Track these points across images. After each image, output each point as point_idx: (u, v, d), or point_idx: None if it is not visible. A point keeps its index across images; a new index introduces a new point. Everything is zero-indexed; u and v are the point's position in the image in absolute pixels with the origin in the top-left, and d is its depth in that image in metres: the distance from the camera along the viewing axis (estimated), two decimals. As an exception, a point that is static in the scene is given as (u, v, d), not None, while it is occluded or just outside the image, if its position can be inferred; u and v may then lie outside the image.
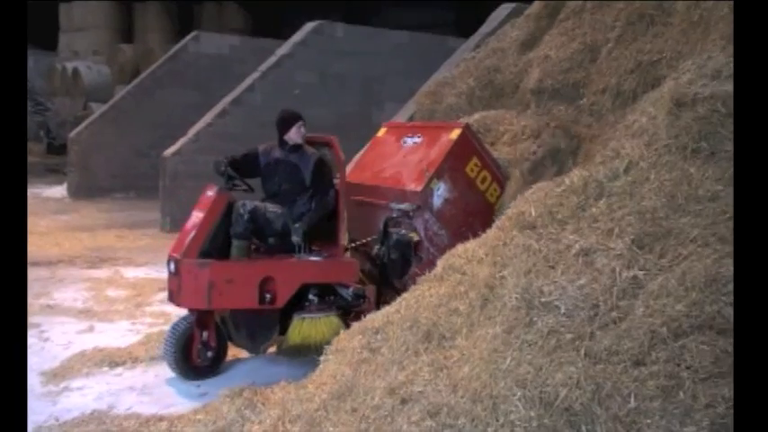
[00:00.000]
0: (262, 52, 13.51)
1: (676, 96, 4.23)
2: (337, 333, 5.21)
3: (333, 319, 5.50)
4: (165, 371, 5.56)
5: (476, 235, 4.93)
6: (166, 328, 5.70)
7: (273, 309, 5.43)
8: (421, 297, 4.47)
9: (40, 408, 4.89)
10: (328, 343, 4.88)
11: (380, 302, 5.43)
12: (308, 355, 5.36)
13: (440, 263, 4.79)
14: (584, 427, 3.04)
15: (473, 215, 5.85)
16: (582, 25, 7.38)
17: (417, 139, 6.20)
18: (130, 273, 8.91)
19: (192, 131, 12.38)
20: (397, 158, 6.25)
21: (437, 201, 5.80)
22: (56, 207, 14.22)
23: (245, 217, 5.34)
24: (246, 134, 12.05)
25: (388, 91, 12.75)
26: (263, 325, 5.56)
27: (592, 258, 3.68)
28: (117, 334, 6.47)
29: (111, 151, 15.34)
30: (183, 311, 5.56)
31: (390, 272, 5.77)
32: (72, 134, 15.83)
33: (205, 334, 5.44)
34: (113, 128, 15.41)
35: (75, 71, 21.68)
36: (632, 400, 3.03)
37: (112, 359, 5.75)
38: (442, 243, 5.63)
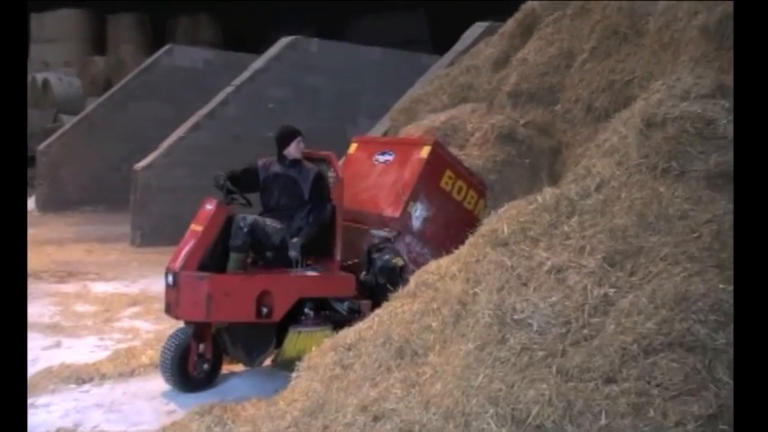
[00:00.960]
0: (235, 66, 13.49)
1: (646, 116, 4.29)
2: None
3: (328, 333, 5.46)
4: (133, 387, 5.49)
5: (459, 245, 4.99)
6: (136, 343, 5.63)
7: (270, 322, 5.49)
8: (393, 313, 4.47)
9: (4, 425, 4.80)
10: None
11: None
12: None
13: (412, 279, 4.79)
14: (555, 445, 3.05)
15: (454, 227, 5.88)
16: (561, 31, 7.49)
17: (389, 157, 6.23)
18: (99, 287, 8.79)
19: (164, 145, 12.30)
20: (372, 179, 6.28)
21: (416, 222, 5.90)
22: (24, 220, 14.01)
23: (245, 230, 5.39)
24: (220, 148, 12.02)
25: (361, 106, 12.80)
26: (260, 338, 5.61)
27: (564, 276, 3.71)
28: (85, 350, 6.37)
29: (82, 164, 15.19)
30: (157, 328, 5.51)
31: (380, 297, 5.79)
32: (41, 146, 15.64)
33: (202, 346, 5.46)
34: (84, 140, 15.27)
35: (46, 82, 21.45)
36: (603, 417, 3.04)
37: (80, 375, 5.65)
38: (426, 261, 5.65)
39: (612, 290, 3.55)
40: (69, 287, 8.70)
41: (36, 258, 10.31)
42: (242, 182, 5.79)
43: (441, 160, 6.04)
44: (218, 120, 12.45)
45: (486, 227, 4.47)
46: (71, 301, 8.01)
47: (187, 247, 5.41)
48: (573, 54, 7.20)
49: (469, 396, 3.34)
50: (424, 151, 5.97)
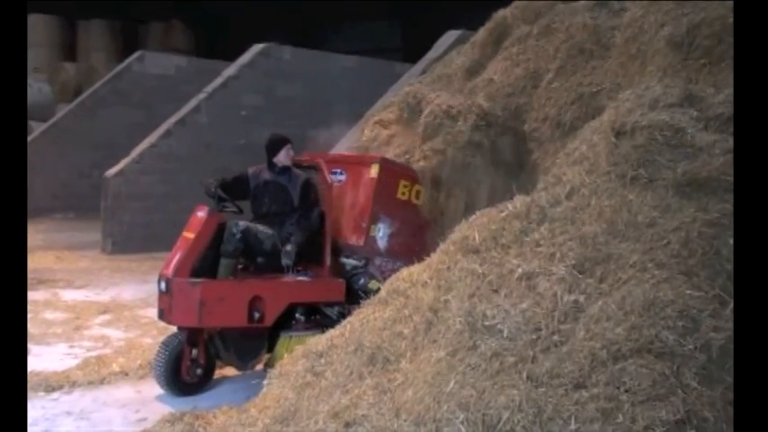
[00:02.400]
0: (208, 73, 13.45)
1: (616, 125, 4.34)
2: None
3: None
4: (103, 395, 5.45)
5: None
6: (106, 351, 5.57)
7: (262, 327, 5.56)
8: (365, 321, 4.47)
9: (-30, 434, 4.73)
10: None
11: None
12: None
13: (384, 287, 4.80)
14: (525, 450, 3.07)
15: (422, 230, 6.04)
16: (526, 51, 7.54)
17: (341, 177, 6.22)
18: (69, 295, 8.70)
19: (135, 152, 12.21)
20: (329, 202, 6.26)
21: (382, 242, 5.98)
22: (-8, 227, 13.83)
23: (238, 236, 5.47)
24: (191, 155, 11.97)
25: (334, 114, 12.80)
26: (252, 343, 5.68)
27: (534, 282, 3.74)
28: (54, 357, 6.30)
29: (52, 171, 15.03)
30: (128, 336, 5.47)
31: None
32: (10, 152, 15.44)
33: (195, 351, 5.53)
34: (54, 147, 15.12)
35: (15, 88, 21.17)
36: (573, 422, 3.07)
37: (49, 383, 5.59)
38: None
39: (582, 296, 3.58)
40: (39, 295, 8.60)
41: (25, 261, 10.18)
42: (233, 189, 5.89)
43: (392, 173, 6.08)
44: (190, 127, 12.39)
45: (457, 234, 4.50)
46: (40, 309, 7.92)
47: (179, 253, 5.48)
48: (539, 74, 7.24)
49: (440, 402, 3.35)
50: (374, 170, 6.00)
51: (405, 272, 4.76)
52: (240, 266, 5.76)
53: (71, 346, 6.68)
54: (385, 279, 5.72)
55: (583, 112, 6.50)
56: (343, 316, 5.70)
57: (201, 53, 19.90)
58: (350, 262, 5.92)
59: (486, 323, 3.58)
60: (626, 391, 3.13)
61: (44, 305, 8.13)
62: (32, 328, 7.21)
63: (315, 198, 5.92)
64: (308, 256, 5.85)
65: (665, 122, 4.16)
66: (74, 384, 5.64)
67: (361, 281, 5.85)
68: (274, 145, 5.95)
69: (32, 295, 8.54)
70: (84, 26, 23.61)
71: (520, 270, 3.82)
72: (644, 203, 3.95)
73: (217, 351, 5.68)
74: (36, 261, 10.68)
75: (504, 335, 3.50)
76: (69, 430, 4.84)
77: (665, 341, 3.25)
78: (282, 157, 5.92)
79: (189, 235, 5.54)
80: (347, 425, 3.61)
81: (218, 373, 5.84)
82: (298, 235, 5.73)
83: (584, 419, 3.07)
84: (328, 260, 5.85)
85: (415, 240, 5.92)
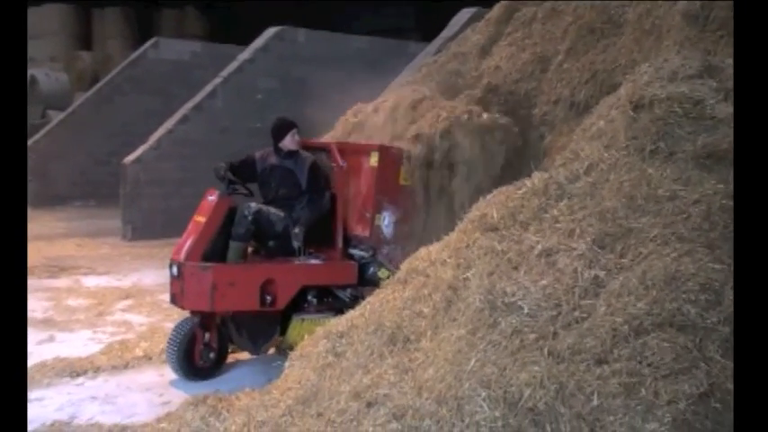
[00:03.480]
0: (222, 58, 13.44)
1: (634, 98, 4.29)
2: None
3: (331, 320, 5.51)
4: (127, 380, 5.51)
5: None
6: (129, 336, 5.62)
7: (274, 310, 5.56)
8: (385, 300, 4.47)
9: (-2, 420, 4.79)
10: None
11: None
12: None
13: (403, 266, 4.79)
14: (548, 426, 3.06)
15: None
16: (532, 35, 7.45)
17: (343, 164, 6.04)
18: (91, 282, 8.78)
19: (152, 138, 12.26)
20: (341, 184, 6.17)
21: (388, 230, 5.92)
22: (13, 216, 13.95)
23: (249, 218, 5.47)
24: (208, 140, 11.99)
25: (349, 96, 12.77)
26: (264, 326, 5.70)
27: (554, 259, 3.72)
28: (78, 343, 6.37)
29: (70, 159, 15.13)
30: (150, 321, 5.51)
31: None
32: (30, 142, 15.55)
33: (207, 335, 5.55)
34: (72, 135, 15.21)
35: (33, 78, 21.25)
36: (595, 398, 3.06)
37: (74, 369, 5.66)
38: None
39: (603, 272, 3.56)
40: (61, 282, 8.68)
41: (27, 254, 10.28)
42: (241, 172, 5.87)
43: (392, 159, 5.99)
44: (206, 112, 12.41)
45: (475, 212, 4.48)
46: (63, 296, 8.00)
47: (190, 238, 5.50)
48: (547, 57, 7.14)
49: (462, 380, 3.35)
50: (373, 159, 5.92)
51: (423, 251, 4.75)
52: (251, 250, 5.75)
53: (94, 332, 6.75)
54: (395, 266, 5.73)
55: (597, 91, 6.44)
56: (355, 298, 5.72)
57: (216, 38, 19.86)
58: (357, 253, 5.90)
59: (507, 300, 3.57)
60: (648, 366, 3.12)
61: (67, 292, 8.21)
62: (56, 314, 7.30)
63: (324, 180, 5.88)
64: (320, 239, 5.83)
65: (684, 94, 4.11)
66: (98, 369, 5.70)
67: (371, 270, 5.83)
68: (279, 130, 5.91)
69: (55, 283, 8.64)
70: (99, 14, 23.69)
71: (539, 247, 3.80)
72: (664, 177, 3.90)
73: (229, 335, 5.69)
74: (58, 249, 10.79)
75: (525, 312, 3.49)
76: (94, 415, 4.89)
77: (688, 314, 3.23)
78: (288, 142, 5.88)
79: (200, 219, 5.55)
80: (369, 404, 3.61)
81: (237, 357, 5.88)
82: (305, 216, 5.70)
83: (607, 394, 3.05)
84: (340, 242, 5.83)
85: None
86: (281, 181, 5.85)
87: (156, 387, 5.40)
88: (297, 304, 5.70)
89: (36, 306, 7.58)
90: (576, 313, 3.42)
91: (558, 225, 3.92)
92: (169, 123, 12.42)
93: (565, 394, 3.10)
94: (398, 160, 6.01)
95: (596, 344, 3.23)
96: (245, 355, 5.93)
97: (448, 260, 4.35)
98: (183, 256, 5.41)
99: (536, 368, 3.22)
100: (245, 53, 12.83)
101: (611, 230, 3.75)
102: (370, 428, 3.43)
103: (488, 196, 4.59)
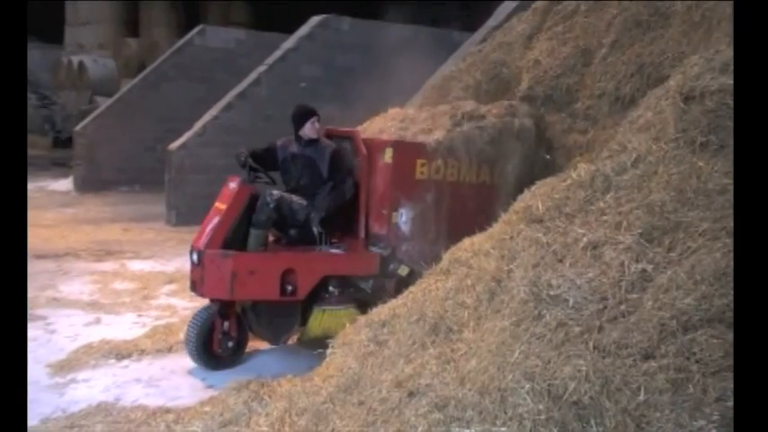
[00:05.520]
0: (267, 46, 13.49)
1: (684, 90, 4.23)
2: None
3: (353, 312, 5.49)
4: (171, 363, 5.58)
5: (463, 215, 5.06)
6: (173, 320, 5.69)
7: (295, 300, 5.49)
8: (427, 290, 4.47)
9: (46, 399, 4.90)
10: None
11: None
12: (327, 346, 5.39)
13: (446, 256, 4.78)
14: (592, 421, 3.04)
15: (445, 203, 5.84)
16: (573, 29, 7.33)
17: (365, 153, 5.88)
18: (136, 266, 8.91)
19: (197, 125, 12.37)
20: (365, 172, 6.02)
21: (406, 227, 5.76)
22: (62, 200, 14.23)
23: (271, 205, 5.41)
24: (252, 128, 12.06)
25: (393, 85, 12.75)
26: (284, 316, 5.64)
27: (600, 252, 3.68)
28: (123, 326, 6.47)
29: (117, 145, 15.33)
30: (194, 305, 5.55)
31: None
32: (78, 128, 15.82)
33: (226, 324, 5.48)
34: (119, 121, 15.40)
35: (81, 65, 21.67)
36: (642, 393, 3.02)
37: (119, 351, 5.75)
38: (432, 252, 5.55)
39: (650, 265, 3.51)
40: (107, 265, 8.83)
41: (75, 237, 10.49)
42: (263, 160, 5.77)
43: (407, 155, 5.77)
44: (250, 99, 12.48)
45: (519, 203, 4.45)
46: (109, 279, 8.14)
47: (211, 225, 5.44)
48: (590, 51, 7.00)
49: (505, 372, 3.34)
50: (387, 155, 5.73)
51: (467, 241, 4.74)
52: (272, 239, 5.68)
53: (139, 316, 6.85)
54: (415, 262, 5.63)
55: (643, 84, 6.31)
56: (379, 290, 5.63)
57: (261, 26, 19.96)
58: (376, 251, 5.76)
59: (552, 293, 3.54)
60: (697, 362, 3.08)
61: (113, 276, 8.35)
62: (102, 298, 7.43)
63: (346, 168, 5.76)
64: (343, 228, 5.75)
65: (736, 87, 4.02)
66: (142, 352, 5.78)
67: (391, 266, 5.70)
68: (300, 117, 5.78)
69: (101, 266, 8.79)
70: (146, 2, 23.99)
71: (585, 239, 3.77)
72: (714, 170, 3.84)
73: (249, 324, 5.64)
74: (104, 233, 10.97)
75: (570, 304, 3.46)
76: (139, 397, 4.97)
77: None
78: (308, 130, 5.75)
79: (221, 206, 5.47)
80: (411, 394, 3.62)
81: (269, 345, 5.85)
82: (325, 203, 5.57)
83: (654, 390, 3.02)
84: (363, 233, 5.73)
85: (441, 214, 5.78)
86: (303, 170, 5.75)
87: (198, 371, 5.46)
88: (318, 295, 5.61)
89: (83, 289, 7.73)
90: (623, 307, 3.38)
91: (604, 218, 3.88)
92: (214, 110, 12.52)
93: (610, 389, 3.08)
94: (414, 155, 5.80)
95: (643, 339, 3.20)
96: (267, 345, 5.88)
97: (491, 251, 4.33)
98: (203, 243, 5.35)
99: (581, 362, 3.19)
100: (290, 41, 12.86)
101: (659, 224, 3.70)
102: (412, 418, 3.43)
103: (533, 188, 4.56)
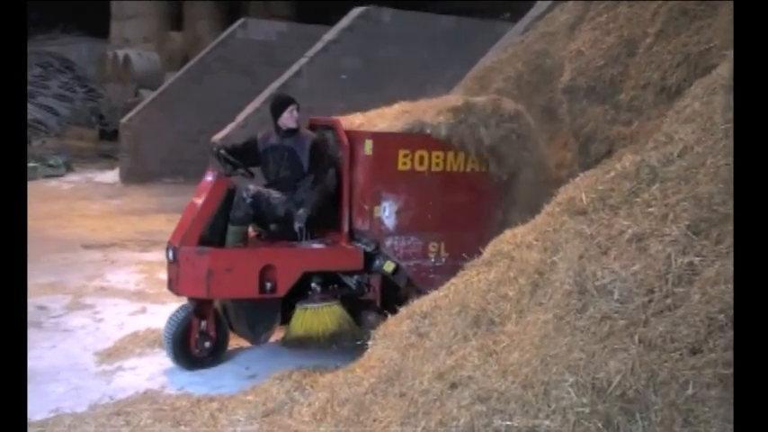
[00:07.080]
0: (308, 38, 13.54)
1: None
2: (341, 323, 5.22)
3: (335, 309, 5.36)
4: (215, 353, 5.64)
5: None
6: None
7: (274, 298, 5.31)
8: (469, 282, 4.44)
9: (94, 386, 5.01)
10: (332, 333, 5.05)
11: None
12: (310, 347, 5.31)
13: (488, 248, 4.74)
14: (638, 415, 3.00)
15: (431, 196, 5.63)
16: (617, 19, 7.19)
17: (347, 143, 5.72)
18: (180, 256, 9.01)
19: (240, 117, 12.48)
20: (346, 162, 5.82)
21: (389, 221, 5.53)
22: (108, 192, 14.49)
23: (248, 201, 5.25)
24: (294, 120, 12.08)
25: (434, 76, 12.70)
26: (264, 314, 5.46)
27: (645, 244, 3.62)
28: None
29: (161, 137, 15.53)
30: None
31: (391, 299, 5.49)
32: (123, 120, 16.08)
33: (203, 323, 5.32)
34: (163, 114, 15.61)
35: (126, 58, 21.99)
36: (690, 387, 2.98)
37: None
38: (419, 247, 5.55)
39: (697, 258, 3.44)
40: (152, 256, 8.94)
41: (121, 228, 10.68)
42: (244, 155, 5.64)
43: (388, 147, 5.54)
44: (292, 91, 12.44)
45: (563, 195, 4.40)
46: (155, 270, 8.24)
47: (187, 220, 5.30)
48: (634, 41, 6.85)
49: (548, 365, 3.31)
50: (367, 147, 5.50)
51: (509, 233, 4.69)
52: (254, 234, 5.54)
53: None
54: (400, 258, 5.49)
55: (690, 74, 6.18)
56: (363, 285, 5.48)
57: (302, 19, 20.04)
58: (363, 247, 5.52)
59: (596, 284, 3.50)
60: (745, 357, 3.01)
61: (158, 266, 8.43)
62: (148, 287, 7.55)
63: (327, 159, 5.59)
64: (325, 222, 5.56)
65: (789, 75, 3.92)
66: (187, 341, 5.85)
67: (377, 262, 5.48)
68: (277, 107, 5.65)
69: (147, 256, 8.93)
70: (189, -3, 24.24)
71: (630, 231, 3.71)
72: (765, 162, 3.75)
73: (229, 322, 5.50)
74: (149, 224, 11.13)
75: (615, 297, 3.41)
76: (184, 385, 5.05)
77: (787, 305, 3.09)
78: (286, 120, 5.58)
79: (197, 200, 5.30)
80: (453, 386, 3.61)
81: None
82: (312, 199, 5.41)
83: (702, 385, 2.97)
84: (346, 226, 5.53)
85: (427, 207, 5.57)
86: (283, 162, 5.57)
87: (242, 360, 5.53)
88: (301, 292, 5.39)
89: (129, 278, 7.87)
90: (669, 300, 3.33)
91: (650, 209, 3.81)
92: (256, 102, 12.61)
93: (657, 382, 3.03)
94: (396, 145, 5.54)
95: (690, 333, 3.14)
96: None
97: (534, 243, 4.29)
98: (178, 239, 5.18)
99: (626, 355, 3.15)
100: (331, 33, 12.89)
101: (706, 216, 3.63)
102: (455, 410, 3.42)
103: (576, 179, 4.51)
